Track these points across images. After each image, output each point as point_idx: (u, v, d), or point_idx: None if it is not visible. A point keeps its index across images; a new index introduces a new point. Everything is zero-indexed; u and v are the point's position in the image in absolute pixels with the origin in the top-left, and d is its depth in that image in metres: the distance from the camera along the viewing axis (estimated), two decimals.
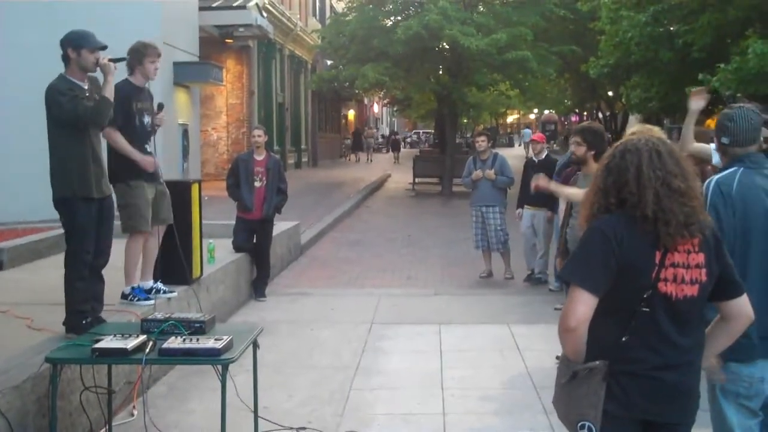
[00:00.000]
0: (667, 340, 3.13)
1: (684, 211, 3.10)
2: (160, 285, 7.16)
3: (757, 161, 4.01)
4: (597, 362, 3.11)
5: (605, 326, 3.13)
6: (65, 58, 5.92)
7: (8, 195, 13.87)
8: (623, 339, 3.11)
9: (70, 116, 5.71)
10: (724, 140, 4.04)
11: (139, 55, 6.95)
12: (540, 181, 7.27)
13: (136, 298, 6.92)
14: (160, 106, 7.24)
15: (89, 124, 5.83)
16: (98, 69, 5.97)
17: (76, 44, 5.89)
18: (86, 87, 5.95)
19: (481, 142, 11.70)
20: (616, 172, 3.20)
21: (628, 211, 3.14)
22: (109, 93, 5.94)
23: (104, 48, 6.01)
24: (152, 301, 6.88)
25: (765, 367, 3.75)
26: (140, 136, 6.90)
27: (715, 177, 4.01)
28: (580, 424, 3.13)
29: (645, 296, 3.09)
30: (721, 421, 3.80)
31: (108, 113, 5.96)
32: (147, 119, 6.99)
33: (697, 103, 6.33)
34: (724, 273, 3.23)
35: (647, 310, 3.10)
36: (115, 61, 6.11)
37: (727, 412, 3.78)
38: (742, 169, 3.96)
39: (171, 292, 7.23)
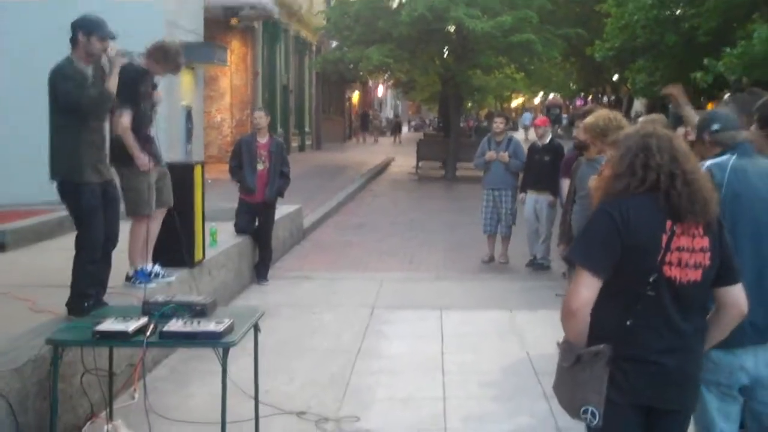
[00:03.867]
0: (670, 325, 3.15)
1: (706, 197, 3.18)
2: (158, 268, 7.17)
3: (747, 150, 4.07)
4: (601, 346, 3.11)
5: (609, 310, 3.15)
6: (73, 41, 5.91)
7: (10, 176, 13.86)
8: (627, 323, 3.12)
9: (71, 103, 5.72)
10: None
11: (168, 58, 6.95)
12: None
13: (138, 281, 6.94)
14: (154, 86, 7.17)
15: (89, 113, 5.83)
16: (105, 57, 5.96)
17: (87, 29, 5.89)
18: (90, 72, 5.95)
19: (499, 124, 11.68)
20: (646, 153, 3.21)
21: (668, 191, 3.15)
22: (112, 85, 5.94)
23: (114, 38, 6.00)
24: (153, 284, 6.89)
25: (744, 357, 3.76)
26: (143, 120, 6.89)
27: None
28: (583, 409, 3.13)
29: (650, 280, 3.10)
30: (701, 409, 3.80)
31: (108, 106, 6.00)
32: (149, 104, 6.99)
33: (676, 99, 6.51)
34: (725, 259, 3.25)
35: (652, 294, 3.11)
36: (124, 54, 6.09)
37: (707, 399, 3.78)
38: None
39: (169, 276, 7.24)
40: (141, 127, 6.81)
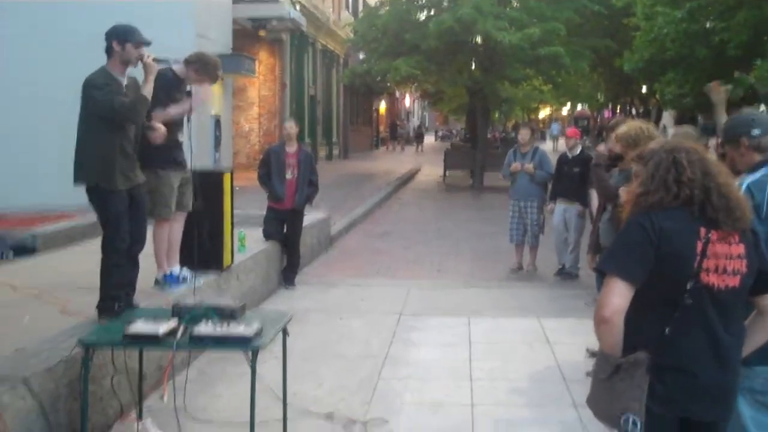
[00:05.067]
0: (710, 334, 3.13)
1: (743, 207, 3.19)
2: (186, 272, 7.21)
3: None
4: (641, 354, 3.09)
5: (647, 319, 3.14)
6: (109, 50, 5.95)
7: (42, 180, 14.00)
8: (666, 331, 3.10)
9: (104, 110, 5.75)
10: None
11: (207, 70, 7.05)
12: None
13: (167, 284, 6.99)
14: (189, 93, 7.25)
15: (124, 119, 5.88)
16: (140, 65, 6.01)
17: (121, 38, 5.93)
18: (125, 82, 6.00)
19: (525, 134, 11.65)
20: (677, 168, 3.21)
21: (703, 205, 3.15)
22: (148, 92, 5.98)
23: (148, 44, 6.06)
24: (183, 287, 6.94)
25: None
26: (176, 126, 6.96)
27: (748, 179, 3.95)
28: (624, 418, 3.09)
29: (688, 287, 3.09)
30: (734, 416, 3.75)
31: (144, 112, 6.01)
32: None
33: (717, 95, 6.41)
34: (761, 266, 3.23)
35: (691, 301, 3.10)
36: (159, 61, 6.14)
37: (740, 406, 3.73)
38: None
39: (197, 279, 7.27)
40: (172, 132, 6.88)
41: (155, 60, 6.07)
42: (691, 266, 3.10)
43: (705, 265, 3.11)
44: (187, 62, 7.00)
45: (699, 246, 3.11)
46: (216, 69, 7.17)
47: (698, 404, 3.14)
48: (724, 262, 3.13)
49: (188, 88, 7.11)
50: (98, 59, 6.02)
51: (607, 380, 3.17)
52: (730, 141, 4.12)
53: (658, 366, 3.09)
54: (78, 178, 5.90)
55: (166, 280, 7.07)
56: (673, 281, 3.11)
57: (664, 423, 3.16)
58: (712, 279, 3.12)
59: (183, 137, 7.07)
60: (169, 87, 6.77)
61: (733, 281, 3.14)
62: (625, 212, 3.37)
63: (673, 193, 3.17)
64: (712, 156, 3.34)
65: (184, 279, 7.12)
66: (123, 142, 5.94)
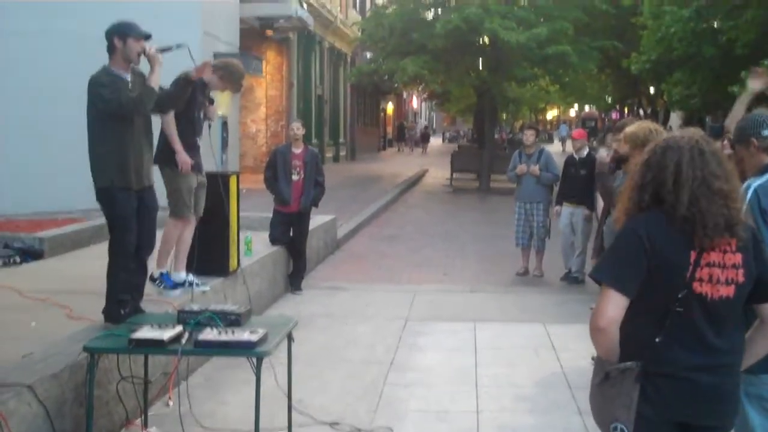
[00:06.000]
0: (702, 342, 3.09)
1: (724, 213, 3.06)
2: (192, 277, 7.19)
3: None
4: (630, 363, 3.07)
5: (639, 326, 3.11)
6: (110, 49, 5.94)
7: (48, 184, 14.04)
8: (657, 339, 3.08)
9: (113, 106, 5.73)
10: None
11: (232, 78, 7.26)
12: None
13: (163, 285, 6.96)
14: (211, 101, 7.31)
15: (132, 113, 5.86)
16: (144, 59, 6.00)
17: (121, 33, 5.90)
18: (129, 79, 5.97)
19: (529, 136, 11.63)
20: (656, 168, 3.15)
21: (666, 209, 3.09)
22: (155, 83, 5.95)
23: (149, 37, 6.04)
24: (178, 291, 6.93)
25: None
26: (195, 128, 7.02)
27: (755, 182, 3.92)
28: (612, 426, 3.09)
29: (679, 296, 3.05)
30: (742, 423, 3.74)
31: (151, 103, 5.96)
32: (201, 113, 7.11)
33: (755, 83, 6.25)
34: (763, 275, 3.17)
35: (681, 310, 3.06)
36: (163, 51, 6.13)
37: (749, 414, 3.72)
38: None
39: (203, 285, 7.26)
40: (190, 134, 6.93)
41: (159, 50, 6.04)
42: (683, 276, 3.06)
43: (698, 275, 3.06)
44: (214, 68, 7.05)
45: (693, 255, 3.07)
46: (241, 78, 7.33)
47: (694, 408, 3.10)
48: (717, 271, 3.08)
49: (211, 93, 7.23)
50: (102, 55, 6.03)
51: (599, 386, 3.17)
52: (741, 141, 4.10)
53: (650, 373, 3.07)
54: (94, 179, 5.90)
55: (163, 280, 7.03)
56: (665, 290, 3.07)
57: (659, 429, 3.12)
58: (705, 289, 3.07)
59: (200, 141, 7.12)
60: (196, 90, 6.82)
61: (727, 291, 3.08)
62: (619, 217, 3.34)
63: (647, 196, 3.14)
64: (713, 156, 3.15)
65: (190, 284, 7.09)
66: (135, 138, 5.93)
